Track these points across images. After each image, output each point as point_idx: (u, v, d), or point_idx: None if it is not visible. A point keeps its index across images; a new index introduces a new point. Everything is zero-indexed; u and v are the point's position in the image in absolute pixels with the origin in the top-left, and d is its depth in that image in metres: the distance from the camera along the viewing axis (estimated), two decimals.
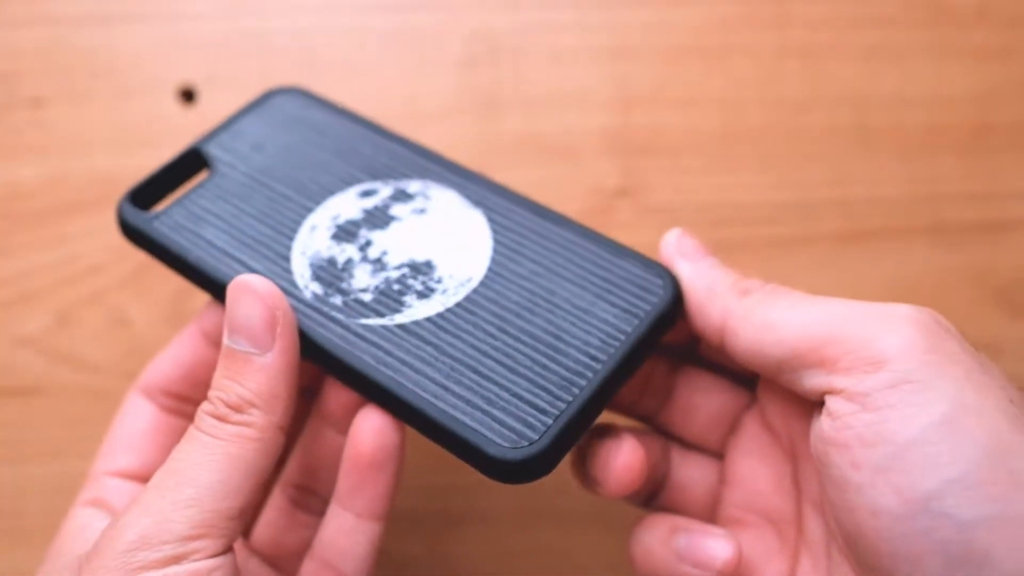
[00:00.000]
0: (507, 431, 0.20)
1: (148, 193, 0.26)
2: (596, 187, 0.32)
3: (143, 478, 0.24)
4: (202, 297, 0.32)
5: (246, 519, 0.21)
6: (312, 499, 0.26)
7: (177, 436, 0.24)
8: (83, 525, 0.22)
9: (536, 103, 0.33)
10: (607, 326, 0.22)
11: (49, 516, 0.31)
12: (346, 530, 0.23)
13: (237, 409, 0.21)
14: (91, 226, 0.32)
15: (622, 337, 0.22)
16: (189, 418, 0.25)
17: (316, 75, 0.33)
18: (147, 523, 0.19)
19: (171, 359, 0.25)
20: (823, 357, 0.20)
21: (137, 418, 0.25)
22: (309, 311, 0.23)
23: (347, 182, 0.26)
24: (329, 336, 0.22)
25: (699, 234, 0.32)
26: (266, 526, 0.26)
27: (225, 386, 0.21)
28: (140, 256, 0.32)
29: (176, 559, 0.19)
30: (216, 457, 0.20)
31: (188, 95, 0.33)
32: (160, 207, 0.26)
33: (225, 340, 0.21)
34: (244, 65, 0.33)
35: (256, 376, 0.21)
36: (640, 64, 0.33)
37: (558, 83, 0.33)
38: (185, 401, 0.25)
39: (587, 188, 0.32)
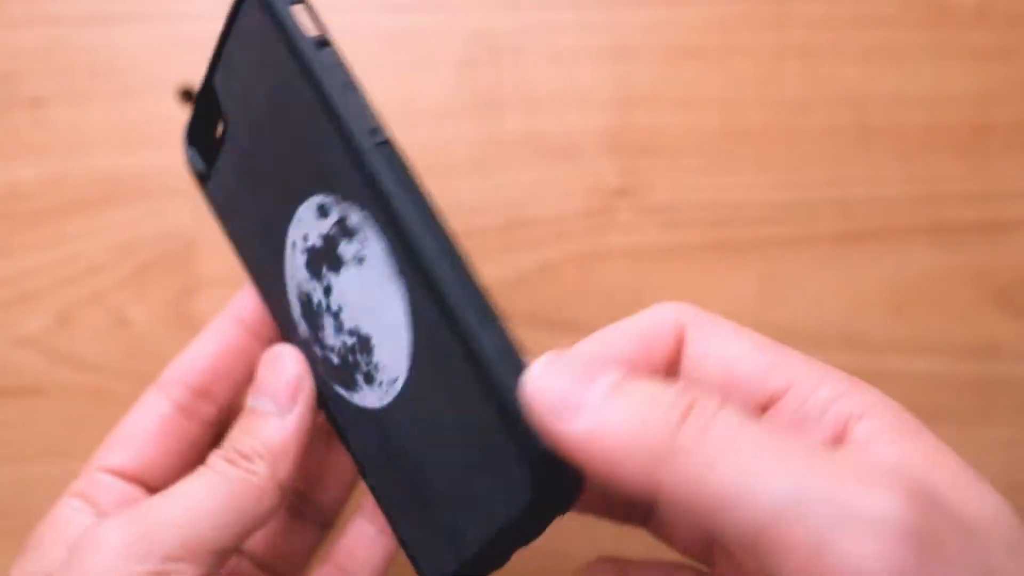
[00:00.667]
0: (427, 557, 0.21)
1: (198, 133, 0.26)
2: (596, 187, 0.32)
3: (138, 479, 0.24)
4: (203, 297, 0.32)
5: (225, 563, 0.21)
6: (308, 507, 0.26)
7: (183, 442, 0.25)
8: (66, 519, 0.23)
9: (536, 103, 0.33)
10: (478, 509, 0.19)
11: None
12: (366, 541, 0.24)
13: (247, 458, 0.22)
14: (91, 226, 0.32)
15: (484, 529, 0.19)
16: (200, 422, 0.25)
17: None
18: (133, 531, 0.20)
19: (197, 349, 0.26)
20: (771, 543, 0.15)
21: (146, 416, 0.25)
22: (304, 350, 0.24)
23: (309, 185, 0.22)
24: (319, 386, 0.23)
25: (699, 234, 0.33)
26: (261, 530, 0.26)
27: (240, 438, 0.23)
28: (140, 256, 0.32)
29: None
30: (217, 491, 0.21)
31: (188, 95, 0.33)
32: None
33: (249, 401, 0.23)
34: None
35: (271, 433, 0.22)
36: (640, 64, 0.33)
37: (558, 83, 0.33)
38: (202, 397, 0.25)
39: (587, 188, 0.32)
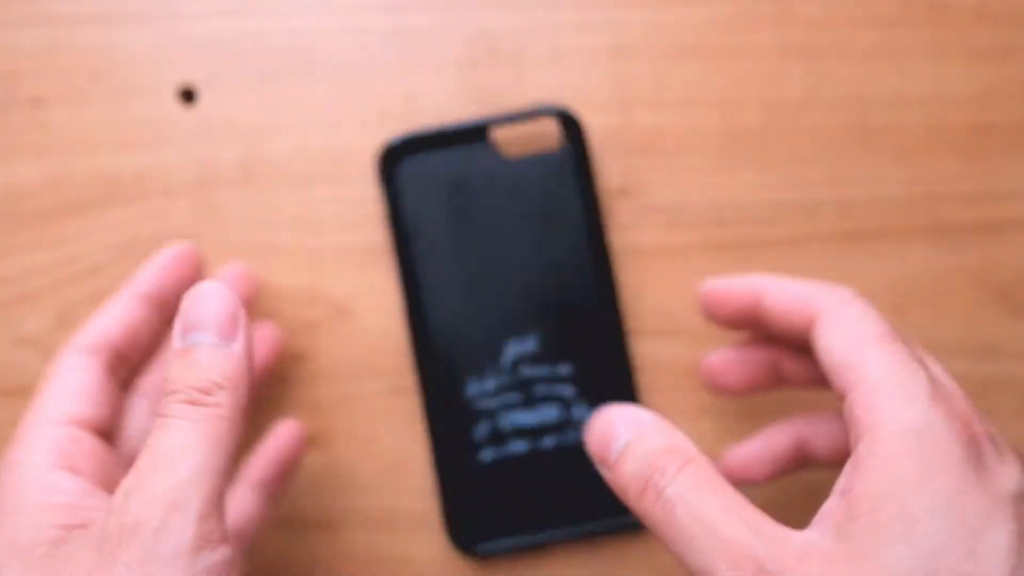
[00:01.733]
0: None
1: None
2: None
3: (99, 431, 0.25)
4: None
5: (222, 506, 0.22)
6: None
7: (114, 400, 0.26)
8: (47, 483, 0.23)
9: (536, 103, 0.33)
10: None
11: None
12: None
13: (207, 393, 0.22)
14: (91, 226, 0.32)
15: None
16: (120, 384, 0.27)
17: (316, 75, 0.33)
18: (162, 508, 0.20)
19: (113, 318, 0.27)
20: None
21: (84, 372, 0.26)
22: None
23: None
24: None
25: (699, 234, 0.33)
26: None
27: (191, 376, 0.22)
28: (140, 256, 0.32)
29: (204, 541, 0.20)
30: (198, 439, 0.21)
31: (188, 95, 0.33)
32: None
33: (180, 341, 0.22)
34: (244, 65, 0.33)
35: (224, 363, 0.22)
36: (640, 64, 0.33)
37: (558, 83, 0.33)
38: (124, 362, 0.27)
39: None
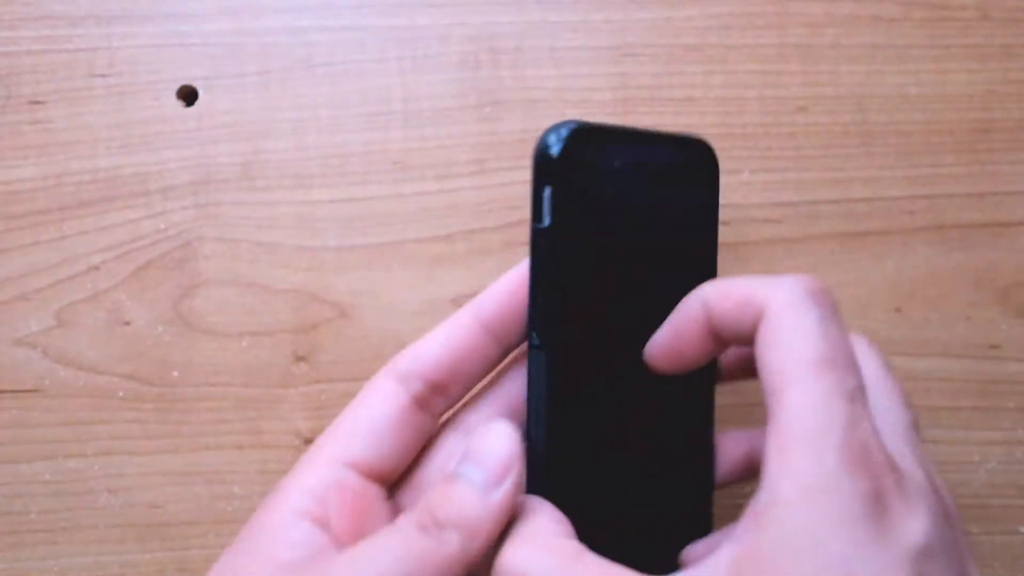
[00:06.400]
0: None
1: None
2: None
3: (375, 474, 0.24)
4: (203, 297, 0.32)
5: None
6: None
7: (418, 434, 0.25)
8: (286, 532, 0.23)
9: (536, 103, 0.33)
10: None
11: (49, 516, 0.31)
12: None
13: (441, 527, 0.21)
14: (91, 226, 0.32)
15: None
16: (432, 415, 0.25)
17: (316, 75, 0.33)
18: None
19: (441, 343, 0.25)
20: None
21: (387, 404, 0.24)
22: None
23: None
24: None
25: None
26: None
27: (439, 504, 0.21)
28: (140, 256, 0.32)
29: None
30: (403, 557, 0.21)
31: (188, 95, 0.33)
32: None
33: (455, 466, 0.22)
34: (244, 65, 0.33)
35: (473, 506, 0.21)
36: (640, 64, 0.33)
37: (558, 83, 0.33)
38: (439, 392, 0.25)
39: None
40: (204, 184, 0.32)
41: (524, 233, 0.32)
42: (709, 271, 0.27)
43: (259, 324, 0.32)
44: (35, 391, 0.32)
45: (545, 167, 0.24)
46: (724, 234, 0.33)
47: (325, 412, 0.32)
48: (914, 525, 0.20)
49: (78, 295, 0.32)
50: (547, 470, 0.24)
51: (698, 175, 0.27)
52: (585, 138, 0.24)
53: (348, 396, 0.32)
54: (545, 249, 0.24)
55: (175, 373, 0.32)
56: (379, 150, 0.32)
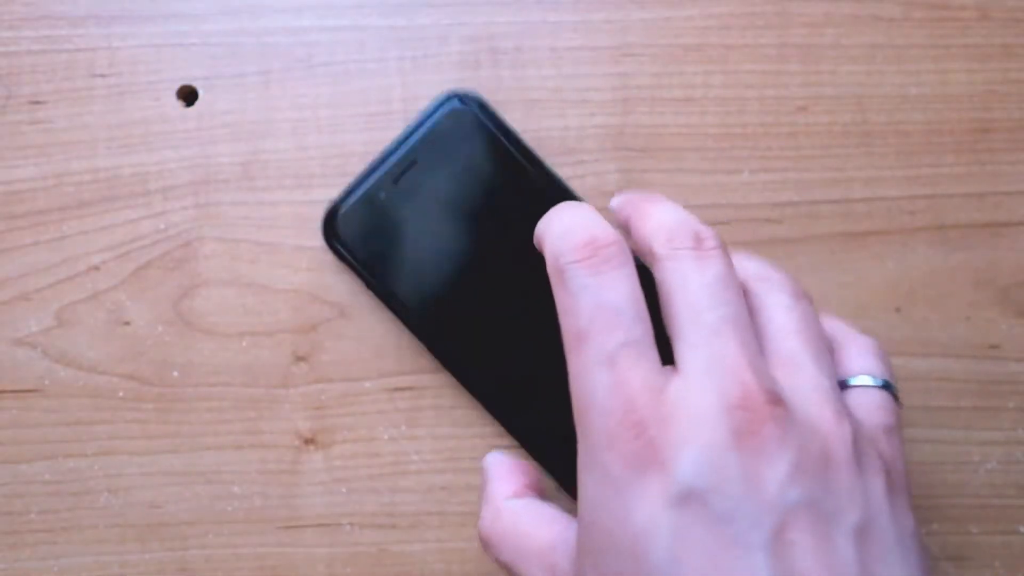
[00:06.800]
0: None
1: None
2: (596, 188, 0.32)
3: None
4: (203, 297, 0.32)
5: None
6: None
7: None
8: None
9: (536, 103, 0.33)
10: None
11: (49, 516, 0.31)
12: None
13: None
14: (91, 226, 0.32)
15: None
16: None
17: (316, 75, 0.33)
18: None
19: None
20: None
21: None
22: None
23: None
24: None
25: None
26: None
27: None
28: (140, 256, 0.32)
29: None
30: None
31: (188, 95, 0.33)
32: None
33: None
34: (244, 65, 0.33)
35: None
36: (640, 64, 0.33)
37: (558, 83, 0.33)
38: None
39: (587, 189, 0.32)
40: (204, 184, 0.32)
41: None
42: (554, 191, 0.31)
43: (259, 324, 0.32)
44: (35, 391, 0.32)
45: (329, 242, 0.31)
46: (724, 234, 0.33)
47: (325, 412, 0.32)
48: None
49: (78, 295, 0.32)
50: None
51: (466, 132, 0.31)
52: (340, 210, 0.31)
53: (348, 396, 0.32)
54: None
55: (175, 373, 0.32)
56: (379, 150, 0.32)
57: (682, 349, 0.23)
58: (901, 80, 0.33)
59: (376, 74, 0.33)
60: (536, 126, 0.33)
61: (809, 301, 0.25)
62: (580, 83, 0.33)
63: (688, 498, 0.20)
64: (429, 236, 0.30)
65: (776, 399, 0.21)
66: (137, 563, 0.31)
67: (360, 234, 0.31)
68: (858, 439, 0.22)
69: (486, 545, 0.25)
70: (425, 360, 0.32)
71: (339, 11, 0.33)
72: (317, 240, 0.32)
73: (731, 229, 0.33)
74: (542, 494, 0.26)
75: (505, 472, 0.27)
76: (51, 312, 0.32)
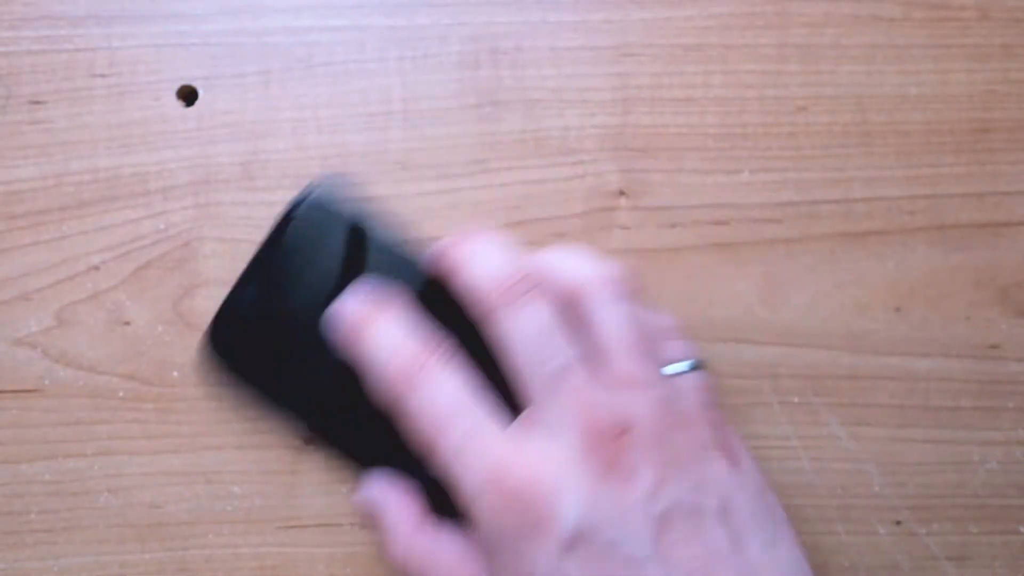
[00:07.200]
0: None
1: None
2: (596, 187, 0.32)
3: None
4: (203, 297, 0.32)
5: None
6: None
7: None
8: None
9: (536, 103, 0.33)
10: None
11: (49, 516, 0.31)
12: None
13: None
14: (91, 226, 0.32)
15: None
16: None
17: (316, 75, 0.33)
18: None
19: None
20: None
21: None
22: None
23: None
24: None
25: (699, 234, 0.33)
26: None
27: None
28: (140, 256, 0.32)
29: None
30: None
31: (188, 95, 0.33)
32: None
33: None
34: (244, 65, 0.33)
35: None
36: (640, 64, 0.33)
37: (558, 83, 0.33)
38: None
39: (587, 188, 0.32)
40: (204, 184, 0.32)
41: (525, 233, 0.32)
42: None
43: None
44: (35, 391, 0.32)
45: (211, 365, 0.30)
46: (724, 234, 0.33)
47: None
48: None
49: (78, 295, 0.32)
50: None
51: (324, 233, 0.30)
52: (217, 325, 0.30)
53: None
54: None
55: (175, 373, 0.32)
56: (379, 150, 0.32)
57: (530, 405, 0.26)
58: (901, 80, 0.33)
59: (376, 74, 0.33)
60: (536, 126, 0.33)
61: (630, 301, 0.27)
62: (580, 83, 0.33)
63: (576, 541, 0.23)
64: (304, 333, 0.30)
65: (624, 428, 0.24)
66: (137, 563, 0.31)
67: (243, 347, 0.30)
68: (695, 433, 0.26)
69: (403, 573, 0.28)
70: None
71: (339, 11, 0.33)
72: None
73: (731, 229, 0.33)
74: (428, 517, 0.29)
75: (398, 502, 0.29)
76: (51, 312, 0.32)
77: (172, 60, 0.33)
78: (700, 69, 0.33)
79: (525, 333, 0.26)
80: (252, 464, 0.32)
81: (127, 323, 0.32)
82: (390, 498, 0.29)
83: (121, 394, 0.32)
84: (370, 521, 0.30)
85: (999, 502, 0.32)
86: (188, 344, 0.32)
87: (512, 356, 0.26)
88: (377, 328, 0.28)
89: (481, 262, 0.27)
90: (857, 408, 0.32)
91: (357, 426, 0.30)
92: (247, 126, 0.32)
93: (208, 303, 0.32)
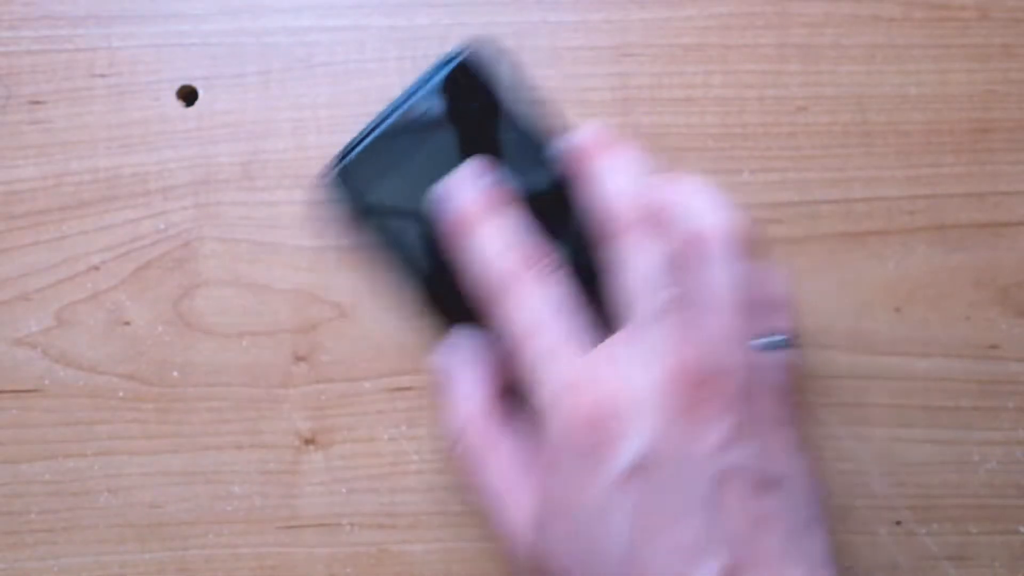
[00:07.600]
0: None
1: None
2: None
3: None
4: (203, 297, 0.32)
5: None
6: None
7: None
8: None
9: (536, 103, 0.33)
10: None
11: (49, 516, 0.32)
12: None
13: None
14: (91, 226, 0.32)
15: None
16: None
17: (316, 75, 0.33)
18: None
19: None
20: None
21: None
22: None
23: None
24: None
25: None
26: None
27: None
28: (140, 256, 0.32)
29: None
30: None
31: (188, 95, 0.33)
32: None
33: None
34: (244, 65, 0.33)
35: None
36: (640, 64, 0.33)
37: (558, 83, 0.33)
38: None
39: None
40: (204, 184, 0.32)
41: None
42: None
43: (259, 324, 0.32)
44: (35, 391, 0.32)
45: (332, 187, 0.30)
46: None
47: (325, 412, 0.32)
48: (627, 444, 0.24)
49: (78, 295, 0.32)
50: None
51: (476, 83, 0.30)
52: (346, 159, 0.30)
53: (348, 396, 0.32)
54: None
55: (175, 373, 0.32)
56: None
57: (626, 329, 0.26)
58: (901, 80, 0.33)
59: (376, 74, 0.33)
60: None
61: (748, 259, 0.27)
62: (580, 83, 0.33)
63: (635, 473, 0.23)
64: (423, 191, 0.29)
65: (711, 378, 0.24)
66: (137, 563, 0.32)
67: (365, 185, 0.30)
68: (775, 406, 0.25)
69: (451, 457, 0.27)
70: (425, 360, 0.32)
71: (339, 11, 0.33)
72: (317, 240, 0.32)
73: None
74: (508, 389, 0.28)
75: (475, 373, 0.28)
76: (51, 312, 0.32)
77: (172, 60, 0.33)
78: (700, 69, 0.33)
79: (644, 261, 0.26)
80: (252, 464, 0.32)
81: (127, 323, 0.32)
82: (468, 367, 0.28)
83: (121, 394, 0.32)
84: (438, 388, 0.29)
85: (999, 502, 0.32)
86: (188, 344, 0.32)
87: (625, 280, 0.26)
88: (482, 231, 0.27)
89: (617, 180, 0.27)
90: (857, 408, 0.32)
91: (463, 299, 0.29)
92: (247, 126, 0.32)
93: (208, 303, 0.32)
